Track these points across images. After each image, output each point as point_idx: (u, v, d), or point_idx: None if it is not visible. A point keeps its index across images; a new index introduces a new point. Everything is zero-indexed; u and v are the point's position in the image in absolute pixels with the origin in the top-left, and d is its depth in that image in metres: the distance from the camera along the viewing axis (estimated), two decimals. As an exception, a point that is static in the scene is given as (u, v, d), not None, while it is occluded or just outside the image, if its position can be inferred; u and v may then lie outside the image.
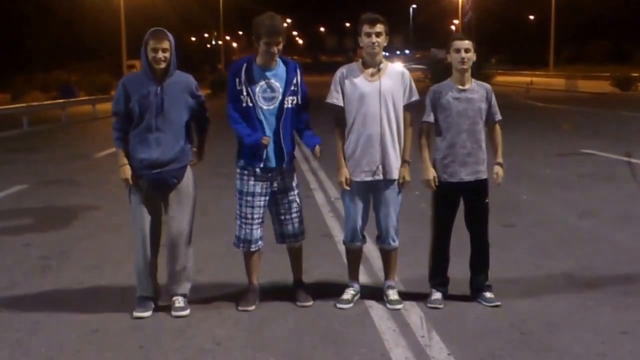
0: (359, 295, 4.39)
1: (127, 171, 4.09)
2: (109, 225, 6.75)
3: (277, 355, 3.59)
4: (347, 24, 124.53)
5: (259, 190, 4.19)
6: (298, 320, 4.08)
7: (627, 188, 8.26)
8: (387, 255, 4.41)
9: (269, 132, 4.13)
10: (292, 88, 4.15)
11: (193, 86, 4.22)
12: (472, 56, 4.20)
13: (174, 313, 4.18)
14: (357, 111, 4.16)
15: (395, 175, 4.23)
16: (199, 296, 4.39)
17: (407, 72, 4.29)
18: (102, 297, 4.59)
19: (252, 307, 4.26)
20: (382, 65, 4.18)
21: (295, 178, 4.32)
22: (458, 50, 4.17)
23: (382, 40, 4.13)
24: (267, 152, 4.13)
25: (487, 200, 4.34)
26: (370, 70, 4.17)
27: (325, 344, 3.72)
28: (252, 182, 4.19)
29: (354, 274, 4.46)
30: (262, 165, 4.15)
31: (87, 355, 3.67)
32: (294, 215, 4.28)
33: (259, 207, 4.22)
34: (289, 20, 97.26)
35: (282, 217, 4.27)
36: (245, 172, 4.20)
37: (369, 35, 4.11)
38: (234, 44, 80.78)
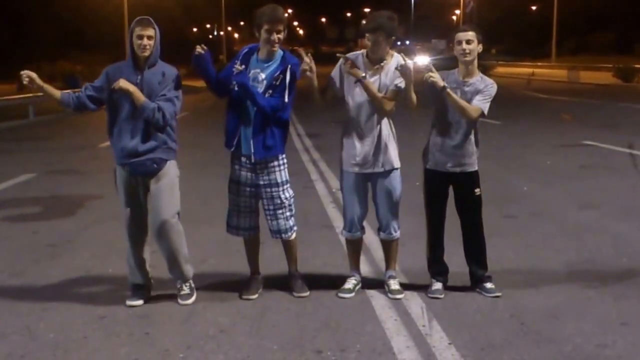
0: (360, 285, 4.42)
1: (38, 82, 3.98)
2: (113, 214, 6.72)
3: (280, 342, 3.64)
4: (348, 14, 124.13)
5: (244, 180, 4.21)
6: (300, 309, 4.12)
7: (628, 179, 8.28)
8: (388, 246, 4.44)
9: (252, 119, 4.10)
10: (274, 83, 4.07)
11: (172, 77, 4.10)
12: (474, 47, 4.16)
13: (180, 300, 4.23)
14: (354, 103, 4.18)
15: (392, 165, 4.26)
16: (203, 285, 4.43)
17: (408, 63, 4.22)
18: (109, 285, 4.64)
19: (255, 296, 4.30)
20: (384, 62, 4.16)
21: (282, 175, 4.25)
22: (460, 42, 4.15)
23: (384, 43, 4.10)
24: (243, 139, 4.13)
25: (478, 192, 4.34)
26: (374, 65, 4.17)
27: (326, 332, 3.76)
28: (237, 171, 4.22)
29: (354, 265, 4.49)
30: (233, 149, 4.17)
31: (94, 341, 3.71)
32: (278, 211, 4.24)
33: (245, 196, 4.24)
34: (290, 11, 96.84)
35: (267, 212, 4.28)
36: (234, 160, 4.23)
37: (369, 39, 4.10)
38: (236, 35, 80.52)
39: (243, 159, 4.18)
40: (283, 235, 4.31)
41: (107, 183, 8.60)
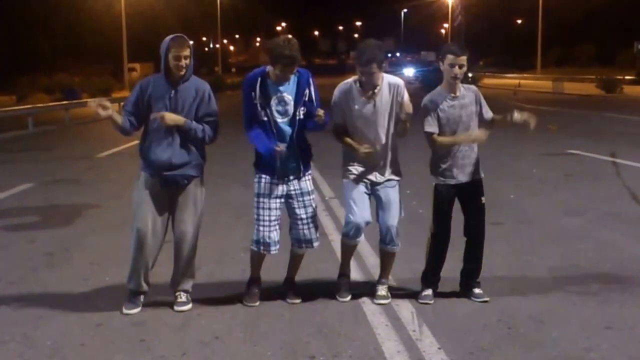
0: (349, 283, 4.52)
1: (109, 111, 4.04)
2: (111, 223, 6.84)
3: (273, 348, 3.70)
4: (340, 27, 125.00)
5: (275, 192, 4.25)
6: (293, 315, 4.18)
7: (612, 187, 8.42)
8: (387, 257, 4.50)
9: (284, 143, 4.17)
10: (305, 99, 4.20)
11: (206, 93, 4.25)
12: (464, 69, 4.26)
13: (176, 308, 4.29)
14: (355, 127, 4.30)
15: (393, 177, 4.37)
16: (198, 292, 4.48)
17: (401, 83, 4.33)
18: (105, 293, 4.68)
19: (257, 303, 4.36)
20: (377, 88, 4.24)
21: (311, 183, 4.38)
22: (453, 66, 4.22)
23: (377, 73, 4.18)
24: (282, 164, 4.20)
25: (484, 201, 4.43)
26: (368, 92, 4.25)
27: (319, 338, 3.83)
28: (268, 184, 4.25)
29: (347, 265, 4.57)
30: (276, 178, 4.23)
31: (91, 348, 3.76)
32: (310, 220, 4.31)
33: (276, 208, 4.27)
34: (283, 24, 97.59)
35: (299, 222, 4.31)
36: (263, 175, 4.27)
37: (362, 72, 4.17)
38: (231, 47, 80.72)
39: (274, 173, 4.23)
40: (313, 244, 4.37)
41: (103, 193, 8.76)
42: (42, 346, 3.79)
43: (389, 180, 4.37)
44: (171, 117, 4.10)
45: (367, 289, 4.56)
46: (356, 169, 4.35)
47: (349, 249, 4.55)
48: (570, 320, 4.03)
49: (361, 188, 4.36)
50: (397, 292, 4.51)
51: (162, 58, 4.12)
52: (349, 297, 4.42)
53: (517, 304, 4.32)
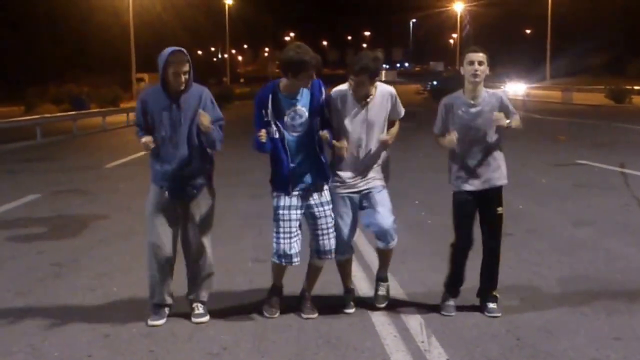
0: (354, 296, 4.50)
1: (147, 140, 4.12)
2: (119, 233, 6.88)
3: (281, 359, 3.70)
4: (349, 37, 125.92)
5: (295, 203, 4.21)
6: (301, 326, 4.19)
7: (620, 197, 8.39)
8: (385, 254, 4.46)
9: (299, 158, 4.17)
10: (319, 109, 4.18)
11: (208, 99, 4.25)
12: (485, 69, 4.16)
13: (194, 319, 4.29)
14: (344, 132, 4.26)
15: (378, 183, 4.34)
16: (207, 303, 4.46)
17: (394, 92, 4.34)
18: (113, 303, 4.70)
19: (277, 315, 4.35)
20: (370, 97, 4.23)
21: (329, 193, 4.32)
22: (471, 63, 4.15)
23: (367, 83, 4.16)
24: (300, 177, 4.18)
25: (500, 211, 4.36)
26: (361, 101, 4.24)
27: (327, 349, 3.83)
28: (286, 197, 4.21)
29: (348, 281, 4.54)
30: (293, 191, 4.19)
31: (98, 360, 3.78)
32: (331, 230, 4.26)
33: (296, 219, 4.23)
34: (292, 34, 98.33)
35: (320, 232, 4.26)
36: (280, 191, 4.22)
37: (353, 80, 4.16)
38: (240, 57, 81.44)
39: (289, 188, 4.20)
40: (331, 255, 4.32)
41: (111, 203, 8.81)
42: (49, 357, 3.81)
43: (374, 187, 4.32)
44: (208, 121, 4.10)
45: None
46: (341, 178, 4.31)
47: (342, 265, 4.51)
48: (579, 331, 4.03)
49: (345, 201, 4.32)
50: (405, 303, 4.50)
51: (160, 71, 4.09)
52: (353, 309, 4.41)
53: (526, 314, 4.32)
